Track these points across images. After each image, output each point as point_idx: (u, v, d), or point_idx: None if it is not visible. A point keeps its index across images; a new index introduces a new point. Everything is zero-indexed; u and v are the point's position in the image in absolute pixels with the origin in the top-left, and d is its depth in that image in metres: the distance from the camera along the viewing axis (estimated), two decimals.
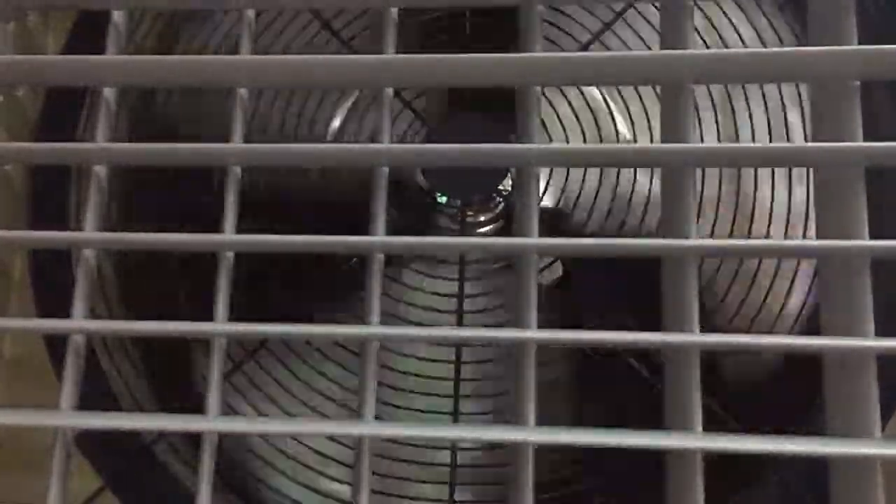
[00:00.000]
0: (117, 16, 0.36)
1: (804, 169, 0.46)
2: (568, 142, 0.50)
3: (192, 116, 0.51)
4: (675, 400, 0.32)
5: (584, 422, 0.40)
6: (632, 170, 0.50)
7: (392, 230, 0.33)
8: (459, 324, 0.49)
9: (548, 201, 0.52)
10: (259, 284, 0.43)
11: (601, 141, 0.50)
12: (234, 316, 0.32)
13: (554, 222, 0.51)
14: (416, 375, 0.48)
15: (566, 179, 0.52)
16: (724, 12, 0.47)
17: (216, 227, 0.33)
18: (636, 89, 0.49)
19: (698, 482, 0.30)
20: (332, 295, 0.49)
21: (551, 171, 0.52)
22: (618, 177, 0.50)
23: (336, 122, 0.54)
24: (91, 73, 0.35)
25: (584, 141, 0.50)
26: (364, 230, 0.32)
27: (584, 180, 0.51)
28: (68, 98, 0.49)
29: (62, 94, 0.49)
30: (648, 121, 0.50)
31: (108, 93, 0.36)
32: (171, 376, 0.50)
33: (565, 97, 0.50)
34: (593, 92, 0.51)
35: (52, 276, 0.47)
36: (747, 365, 0.45)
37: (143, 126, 0.52)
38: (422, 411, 0.47)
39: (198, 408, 0.32)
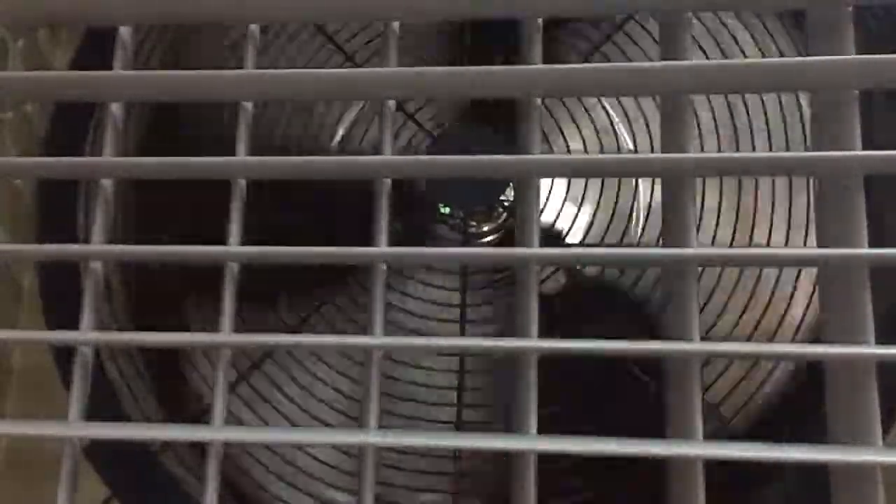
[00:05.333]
0: (124, 31, 0.37)
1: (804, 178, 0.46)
2: (569, 152, 0.50)
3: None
4: (678, 408, 0.32)
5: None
6: (633, 180, 0.50)
7: (395, 241, 0.33)
8: (462, 333, 0.50)
9: (550, 214, 0.53)
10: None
11: (602, 151, 0.50)
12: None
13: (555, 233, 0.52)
14: (420, 385, 0.49)
15: (568, 189, 0.52)
16: (722, 23, 0.47)
17: None
18: (637, 99, 0.50)
19: (699, 490, 0.30)
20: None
21: (552, 181, 0.52)
22: (619, 188, 0.50)
23: (339, 134, 0.54)
24: (98, 89, 0.36)
25: (585, 151, 0.50)
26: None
27: (585, 190, 0.52)
28: (76, 113, 0.49)
29: (70, 109, 0.50)
30: (649, 130, 0.50)
31: (116, 107, 0.36)
32: (178, 386, 0.50)
33: (565, 106, 0.51)
34: (594, 101, 0.51)
35: (60, 288, 0.47)
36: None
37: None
38: (425, 420, 0.47)
39: (203, 418, 0.32)
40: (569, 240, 0.51)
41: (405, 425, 0.47)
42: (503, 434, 0.31)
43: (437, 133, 0.53)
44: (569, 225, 0.52)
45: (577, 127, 0.52)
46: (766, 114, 0.48)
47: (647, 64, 0.32)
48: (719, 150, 0.48)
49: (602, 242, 0.50)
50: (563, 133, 0.52)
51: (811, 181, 0.46)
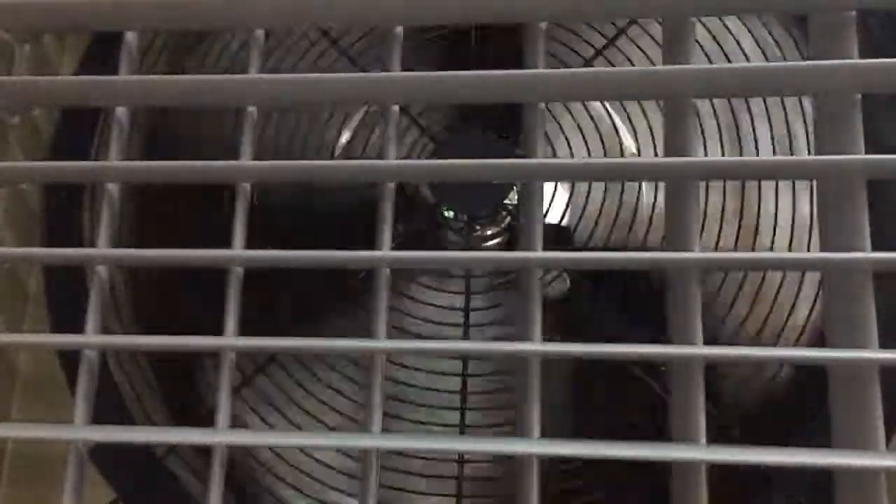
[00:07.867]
0: (130, 37, 0.37)
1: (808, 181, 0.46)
2: (572, 156, 0.51)
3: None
4: (681, 411, 0.32)
5: (590, 434, 0.40)
6: (636, 184, 0.50)
7: (399, 245, 0.33)
8: (466, 337, 0.50)
9: (554, 216, 0.53)
10: (268, 299, 0.43)
11: (605, 154, 0.50)
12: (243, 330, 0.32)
13: (559, 237, 0.52)
14: (424, 388, 0.49)
15: (571, 193, 0.52)
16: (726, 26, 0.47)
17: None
18: (640, 103, 0.50)
19: (702, 493, 0.30)
20: (340, 308, 0.50)
21: (556, 185, 0.52)
22: (622, 191, 0.50)
23: (344, 138, 0.55)
24: (103, 93, 0.36)
25: (589, 154, 0.50)
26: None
27: (589, 193, 0.52)
28: (82, 117, 0.49)
29: (76, 114, 0.50)
30: (652, 133, 0.51)
31: (121, 112, 0.37)
32: (182, 390, 0.50)
33: (568, 110, 0.51)
34: (597, 105, 0.51)
35: (66, 291, 0.48)
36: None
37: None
38: (429, 423, 0.48)
39: (208, 421, 0.32)
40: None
41: (409, 429, 0.48)
42: (506, 438, 0.31)
43: (440, 137, 0.53)
44: (572, 228, 0.52)
45: (581, 130, 0.52)
46: (769, 117, 0.48)
47: (650, 68, 0.32)
48: (722, 154, 0.49)
49: (605, 246, 0.50)
50: (565, 136, 0.52)
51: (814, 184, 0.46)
